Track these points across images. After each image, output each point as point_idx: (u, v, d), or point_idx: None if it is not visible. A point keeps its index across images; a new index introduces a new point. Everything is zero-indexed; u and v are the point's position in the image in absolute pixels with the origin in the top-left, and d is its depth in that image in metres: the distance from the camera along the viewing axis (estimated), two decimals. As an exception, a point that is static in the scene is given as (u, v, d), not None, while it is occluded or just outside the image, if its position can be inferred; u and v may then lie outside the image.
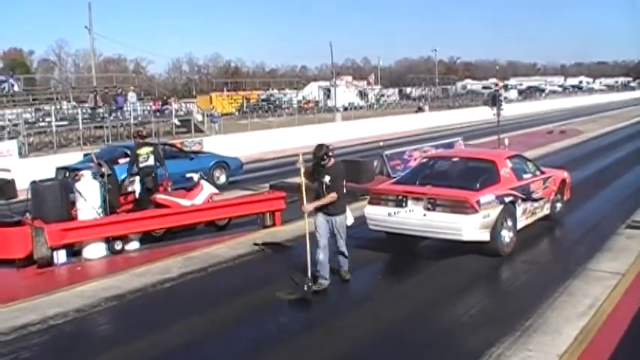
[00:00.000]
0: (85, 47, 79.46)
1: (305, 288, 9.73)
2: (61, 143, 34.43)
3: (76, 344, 8.66)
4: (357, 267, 11.61)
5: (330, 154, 10.26)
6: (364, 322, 8.95)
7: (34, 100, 40.97)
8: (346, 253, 10.66)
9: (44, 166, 20.63)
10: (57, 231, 12.18)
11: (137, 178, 15.44)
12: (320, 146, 10.35)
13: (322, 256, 10.23)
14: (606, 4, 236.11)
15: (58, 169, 19.21)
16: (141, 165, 15.46)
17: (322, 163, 10.26)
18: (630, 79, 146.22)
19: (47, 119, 35.63)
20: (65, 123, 36.26)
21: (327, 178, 10.17)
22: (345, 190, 10.57)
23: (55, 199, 12.77)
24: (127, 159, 18.73)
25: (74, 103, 41.37)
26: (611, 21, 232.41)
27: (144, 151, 15.59)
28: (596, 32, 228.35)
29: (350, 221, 10.65)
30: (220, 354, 8.11)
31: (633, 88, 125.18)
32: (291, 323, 9.05)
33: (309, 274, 9.99)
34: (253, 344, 8.34)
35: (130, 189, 15.47)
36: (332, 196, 10.14)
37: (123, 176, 17.53)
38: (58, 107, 39.02)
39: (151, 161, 15.55)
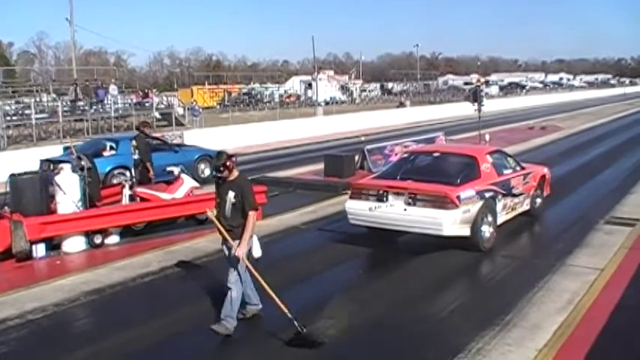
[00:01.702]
0: (65, 39, 79.19)
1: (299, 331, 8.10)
2: (41, 136, 34.19)
3: (55, 339, 8.59)
4: (338, 262, 11.70)
5: (229, 163, 8.27)
6: (343, 317, 8.94)
7: (13, 92, 40.67)
8: (233, 296, 8.37)
9: (23, 159, 20.46)
10: (36, 224, 12.07)
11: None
12: (219, 154, 8.41)
13: (234, 293, 8.38)
14: (587, 3, 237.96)
15: (42, 161, 19.10)
16: (134, 157, 16.28)
17: (221, 175, 8.35)
18: (610, 76, 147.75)
19: (27, 112, 35.36)
20: (45, 115, 36.00)
21: (231, 195, 8.29)
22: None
23: (34, 192, 12.68)
24: (111, 152, 19.16)
25: (54, 96, 41.12)
26: (592, 19, 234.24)
27: (134, 143, 16.32)
28: (577, 30, 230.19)
29: (257, 253, 8.78)
30: (199, 349, 8.09)
31: (613, 85, 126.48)
32: (271, 319, 9.02)
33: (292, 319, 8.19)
34: (234, 339, 8.31)
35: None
36: (253, 215, 8.27)
37: (108, 168, 17.66)
38: (37, 100, 38.75)
39: (137, 155, 16.16)
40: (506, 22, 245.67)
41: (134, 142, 16.34)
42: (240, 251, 8.18)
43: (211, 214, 8.61)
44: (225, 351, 8.11)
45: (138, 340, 8.34)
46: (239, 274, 8.39)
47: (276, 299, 8.19)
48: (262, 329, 8.58)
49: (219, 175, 8.36)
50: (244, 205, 8.25)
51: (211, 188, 18.67)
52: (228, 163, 8.25)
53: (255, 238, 8.71)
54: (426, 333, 8.42)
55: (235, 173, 8.39)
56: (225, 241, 8.56)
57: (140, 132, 16.72)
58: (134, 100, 43.45)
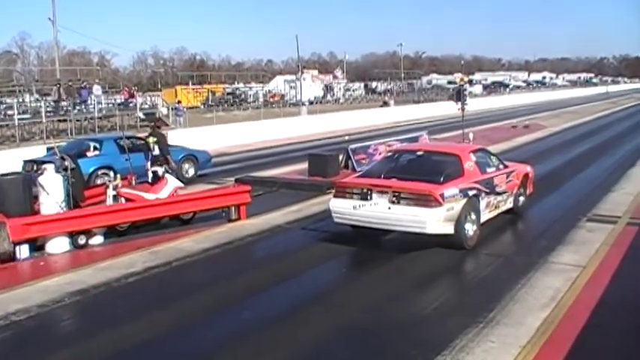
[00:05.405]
0: (48, 39, 78.70)
1: None
2: (24, 137, 33.99)
3: (39, 340, 8.54)
4: (323, 260, 11.73)
5: None
6: (328, 315, 8.98)
7: (-5, 92, 40.43)
8: None
9: (6, 160, 20.36)
10: (19, 225, 12.00)
11: (148, 164, 16.12)
12: None
13: None
14: (570, 3, 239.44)
15: (26, 162, 19.01)
16: (153, 153, 16.16)
17: None
18: (592, 75, 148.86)
19: (9, 112, 35.16)
20: (28, 116, 35.80)
21: None
22: None
23: (17, 193, 12.62)
24: (95, 152, 19.12)
25: (37, 96, 40.87)
26: (575, 19, 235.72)
27: (151, 139, 16.24)
28: (561, 29, 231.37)
29: None
30: (185, 349, 8.08)
31: (595, 84, 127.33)
32: (255, 318, 9.04)
33: None
34: (218, 339, 8.33)
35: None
36: None
37: (91, 169, 17.61)
38: (20, 100, 38.52)
39: (157, 150, 16.06)
40: (490, 21, 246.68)
41: (152, 139, 16.25)
42: None
43: None
44: (212, 350, 8.11)
45: (123, 340, 8.30)
46: None
47: None
48: None
49: None
50: None
51: (196, 188, 18.79)
52: None
53: None
54: (410, 330, 8.44)
55: None
56: None
57: (156, 127, 16.82)
58: (122, 98, 43.46)
